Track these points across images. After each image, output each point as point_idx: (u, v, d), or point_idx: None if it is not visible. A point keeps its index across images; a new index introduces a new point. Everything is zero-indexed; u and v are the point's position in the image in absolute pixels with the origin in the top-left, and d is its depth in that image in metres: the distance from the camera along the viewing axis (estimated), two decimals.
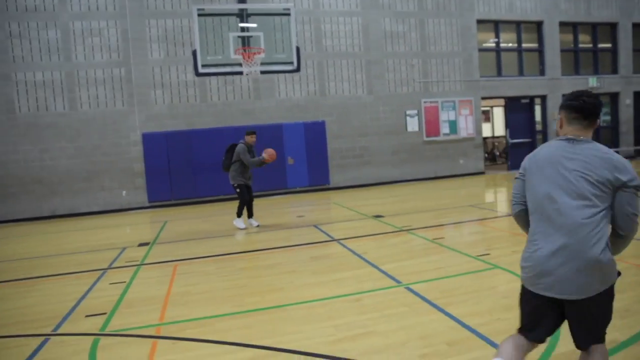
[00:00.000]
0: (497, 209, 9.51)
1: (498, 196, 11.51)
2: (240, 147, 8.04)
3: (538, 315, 2.28)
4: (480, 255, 5.56)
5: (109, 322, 4.15)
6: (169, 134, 12.38)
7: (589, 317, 2.18)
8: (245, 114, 12.93)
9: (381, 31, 14.00)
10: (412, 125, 14.55)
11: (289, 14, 8.84)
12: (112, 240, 8.21)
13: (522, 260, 2.32)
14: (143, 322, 4.10)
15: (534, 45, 15.88)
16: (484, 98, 15.28)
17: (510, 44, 15.75)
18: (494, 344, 3.29)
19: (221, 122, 12.73)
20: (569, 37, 16.27)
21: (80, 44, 11.92)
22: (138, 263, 6.35)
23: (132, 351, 3.56)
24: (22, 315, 4.51)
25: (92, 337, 3.81)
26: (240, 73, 8.87)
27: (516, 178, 2.43)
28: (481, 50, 15.14)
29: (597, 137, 16.96)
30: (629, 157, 16.91)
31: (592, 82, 15.99)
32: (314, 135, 13.56)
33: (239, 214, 8.38)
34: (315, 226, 8.28)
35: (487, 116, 19.40)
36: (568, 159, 2.18)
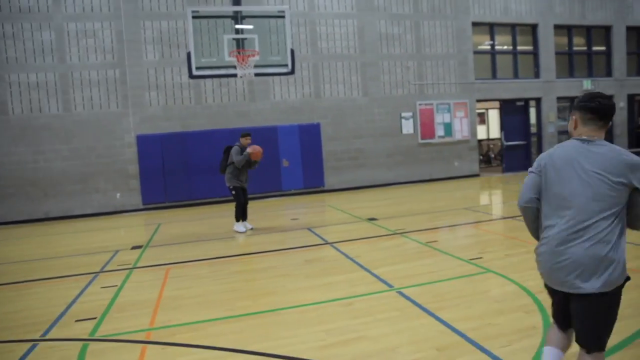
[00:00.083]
0: (491, 212, 9.53)
1: (493, 199, 11.54)
2: (234, 148, 8.03)
3: (559, 306, 2.47)
4: (473, 259, 5.57)
5: (99, 326, 4.13)
6: (163, 136, 12.35)
7: (590, 314, 2.24)
8: (240, 116, 12.91)
9: (376, 33, 14.02)
10: (407, 127, 14.57)
11: (283, 17, 8.84)
12: (105, 243, 8.17)
13: (537, 255, 2.45)
14: (133, 326, 4.08)
15: (529, 48, 15.93)
16: (479, 100, 15.32)
17: (505, 47, 15.79)
18: (483, 349, 3.30)
19: (216, 124, 12.70)
20: (564, 39, 16.34)
21: (74, 45, 11.88)
22: (130, 266, 6.32)
23: (121, 357, 3.53)
24: (11, 321, 4.47)
25: (82, 343, 3.78)
26: (235, 75, 8.84)
27: (530, 172, 2.46)
28: (476, 52, 15.18)
29: None
30: None
31: (586, 85, 16.05)
32: (309, 138, 13.56)
33: (237, 218, 8.35)
34: (309, 229, 8.27)
35: (482, 118, 19.44)
36: (585, 159, 2.24)
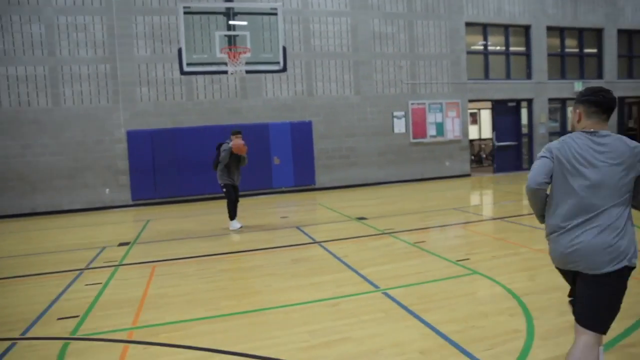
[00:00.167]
0: (481, 212, 9.56)
1: (483, 199, 11.57)
2: (223, 146, 7.97)
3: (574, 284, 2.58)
4: (460, 260, 5.57)
5: (80, 325, 4.08)
6: (154, 132, 12.26)
7: (596, 294, 2.36)
8: (232, 113, 12.85)
9: (370, 32, 13.99)
10: (399, 126, 14.57)
11: (276, 14, 8.78)
12: (92, 240, 8.10)
13: (549, 241, 2.56)
14: (115, 325, 4.04)
15: (522, 49, 15.98)
16: (471, 100, 15.35)
17: (498, 47, 15.83)
18: (466, 352, 3.29)
19: (207, 121, 12.63)
20: (556, 41, 16.40)
21: (64, 39, 11.75)
22: (116, 263, 6.26)
23: (102, 356, 3.50)
24: None
25: (62, 342, 3.74)
26: (226, 72, 8.78)
27: (542, 156, 2.49)
28: (469, 52, 15.20)
29: None
30: None
31: (577, 87, 16.13)
32: (301, 135, 13.52)
33: (230, 216, 8.29)
34: (298, 228, 8.25)
35: (474, 118, 19.48)
36: (596, 150, 2.35)
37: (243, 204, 10.49)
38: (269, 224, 8.85)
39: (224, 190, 8.15)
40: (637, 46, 17.70)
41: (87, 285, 5.32)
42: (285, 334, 3.74)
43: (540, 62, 15.87)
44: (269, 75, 12.92)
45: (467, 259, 5.62)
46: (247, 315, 4.19)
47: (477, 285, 4.75)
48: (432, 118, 14.86)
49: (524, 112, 16.20)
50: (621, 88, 17.21)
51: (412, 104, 14.57)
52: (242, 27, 8.79)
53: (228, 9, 9.05)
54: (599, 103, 2.40)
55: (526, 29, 15.79)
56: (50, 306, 4.62)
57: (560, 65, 16.53)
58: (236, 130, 8.10)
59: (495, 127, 15.90)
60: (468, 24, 15.01)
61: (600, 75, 16.91)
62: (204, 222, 9.24)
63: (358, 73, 13.97)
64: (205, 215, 10.22)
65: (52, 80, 11.70)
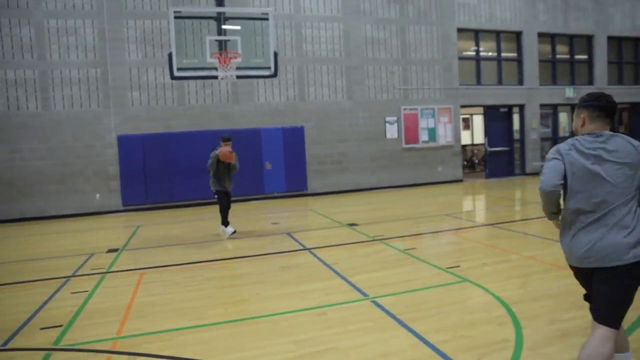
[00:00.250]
0: (473, 218, 9.55)
1: (475, 205, 11.57)
2: (213, 153, 7.91)
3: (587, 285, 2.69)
4: (450, 268, 5.54)
5: (64, 335, 4.01)
6: (145, 137, 12.18)
7: (611, 288, 2.47)
8: (224, 118, 12.80)
9: (362, 37, 14.01)
10: (392, 132, 14.58)
11: (267, 19, 8.76)
12: (81, 246, 8.01)
13: (563, 243, 2.66)
14: (100, 335, 3.97)
15: (513, 55, 16.07)
16: (463, 106, 15.39)
17: (489, 53, 15.90)
18: None
19: (199, 126, 12.57)
20: (547, 47, 16.51)
21: (55, 42, 11.66)
22: (104, 271, 6.18)
23: None
24: None
25: (44, 353, 3.66)
26: (216, 77, 8.73)
27: (553, 158, 2.56)
28: (461, 58, 15.26)
29: None
30: None
31: (568, 93, 16.24)
32: (293, 141, 13.49)
33: (224, 222, 8.18)
34: (289, 234, 8.20)
35: (467, 124, 19.56)
36: (602, 151, 2.46)
37: (235, 209, 10.43)
38: (260, 230, 8.79)
39: (216, 197, 8.10)
40: (626, 53, 17.86)
41: (73, 293, 5.24)
42: (271, 344, 3.69)
43: (531, 68, 15.96)
44: (261, 80, 12.89)
45: (458, 267, 5.59)
46: (234, 324, 4.13)
47: (466, 294, 4.72)
48: (424, 123, 14.89)
49: (515, 118, 16.27)
50: (611, 94, 17.27)
51: (405, 109, 14.59)
52: (233, 32, 8.76)
53: (219, 13, 9.03)
54: (602, 107, 2.53)
55: (517, 35, 15.88)
56: (33, 315, 4.54)
57: (552, 71, 16.63)
58: (226, 137, 8.00)
59: (487, 132, 15.95)
60: (460, 30, 15.07)
61: (591, 82, 17.03)
62: (195, 229, 9.17)
63: (350, 78, 13.97)
64: (196, 221, 10.15)
65: (42, 84, 11.60)
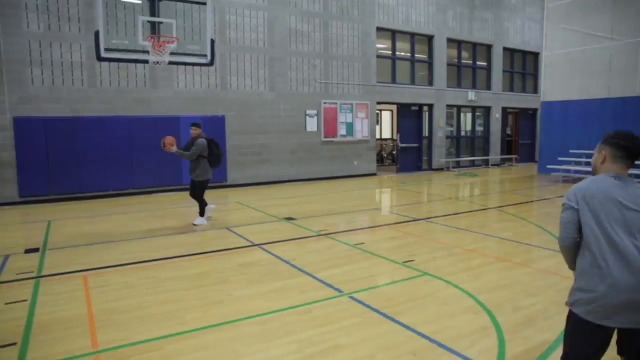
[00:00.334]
0: (404, 213, 10.03)
1: (400, 200, 12.16)
2: (201, 141, 8.11)
3: (597, 347, 2.39)
4: (406, 262, 5.83)
5: (25, 354, 3.51)
6: (48, 120, 10.89)
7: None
8: (140, 103, 11.92)
9: (286, 28, 13.92)
10: (312, 125, 14.74)
11: (204, 3, 8.32)
12: None
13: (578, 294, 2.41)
14: (72, 350, 3.55)
15: (425, 56, 17.12)
16: (379, 103, 16.06)
17: (403, 54, 16.76)
18: (454, 351, 3.48)
19: (112, 111, 11.56)
20: (454, 52, 17.87)
21: None
22: (34, 275, 5.47)
23: None
24: None
25: None
26: (146, 61, 8.12)
27: (567, 208, 2.42)
28: (379, 56, 15.88)
29: (472, 147, 18.94)
30: (496, 164, 19.17)
31: (470, 95, 17.76)
32: (213, 130, 12.95)
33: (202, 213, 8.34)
34: (228, 229, 7.96)
35: (376, 119, 20.44)
36: (621, 196, 2.30)
37: (154, 201, 9.90)
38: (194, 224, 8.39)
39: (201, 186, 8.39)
40: (517, 63, 20.02)
41: (8, 304, 4.57)
42: (272, 346, 3.61)
43: (440, 70, 17.16)
44: (180, 66, 12.19)
45: (412, 260, 5.89)
46: (220, 328, 3.95)
47: (432, 286, 5.00)
48: (342, 118, 15.27)
49: (425, 116, 17.38)
50: (504, 99, 19.33)
51: (325, 103, 14.82)
52: (167, 14, 8.19)
53: None
54: (628, 149, 2.36)
55: (430, 38, 16.95)
56: None
57: (457, 74, 18.04)
58: (192, 123, 8.35)
59: (399, 129, 16.83)
60: (379, 29, 15.66)
61: (489, 87, 18.80)
62: (121, 223, 8.48)
63: (273, 69, 13.83)
64: (117, 214, 9.38)
65: None
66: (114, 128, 11.56)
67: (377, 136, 20.39)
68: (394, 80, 16.33)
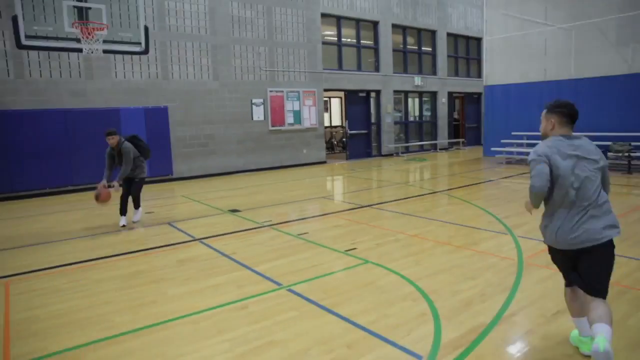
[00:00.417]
0: (350, 200, 10.05)
1: (347, 187, 12.19)
2: (127, 145, 7.47)
3: (568, 266, 3.07)
4: (348, 250, 5.81)
5: None
6: None
7: (602, 261, 2.92)
8: (75, 95, 11.30)
9: (228, 15, 13.54)
10: (258, 114, 14.51)
11: None
12: None
13: (549, 231, 3.00)
14: None
15: (371, 43, 17.15)
16: (326, 90, 15.98)
17: (349, 40, 16.73)
18: (388, 341, 3.46)
19: (44, 104, 10.90)
20: (400, 38, 18.01)
21: None
22: None
23: None
24: None
25: None
26: (78, 50, 7.65)
27: (540, 162, 2.90)
28: (324, 43, 15.76)
29: (420, 132, 19.23)
30: (444, 148, 19.59)
31: (417, 81, 17.99)
32: (156, 122, 12.58)
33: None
34: (170, 224, 7.70)
35: (325, 107, 20.40)
36: (575, 151, 2.91)
37: (90, 197, 9.42)
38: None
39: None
40: (460, 48, 20.41)
41: None
42: (203, 346, 3.48)
43: (386, 56, 17.25)
44: (119, 55, 11.63)
45: (355, 248, 5.88)
46: (150, 330, 3.78)
47: (373, 274, 5.00)
48: (290, 106, 15.12)
49: (372, 103, 17.48)
50: (450, 84, 19.71)
51: (271, 91, 14.61)
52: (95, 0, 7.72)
53: None
54: (569, 115, 2.99)
55: (374, 24, 16.98)
56: None
57: (403, 60, 18.20)
58: (108, 131, 7.35)
59: (347, 116, 16.85)
60: (324, 15, 15.52)
61: (435, 72, 19.10)
62: (53, 223, 8.02)
63: (216, 57, 13.46)
64: (53, 214, 8.89)
65: None
66: (48, 122, 10.92)
67: (327, 124, 20.42)
68: (340, 67, 16.30)
